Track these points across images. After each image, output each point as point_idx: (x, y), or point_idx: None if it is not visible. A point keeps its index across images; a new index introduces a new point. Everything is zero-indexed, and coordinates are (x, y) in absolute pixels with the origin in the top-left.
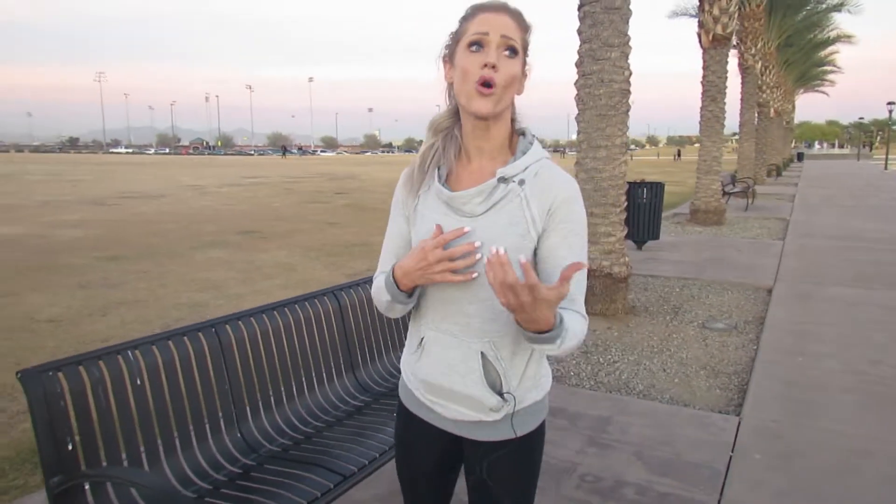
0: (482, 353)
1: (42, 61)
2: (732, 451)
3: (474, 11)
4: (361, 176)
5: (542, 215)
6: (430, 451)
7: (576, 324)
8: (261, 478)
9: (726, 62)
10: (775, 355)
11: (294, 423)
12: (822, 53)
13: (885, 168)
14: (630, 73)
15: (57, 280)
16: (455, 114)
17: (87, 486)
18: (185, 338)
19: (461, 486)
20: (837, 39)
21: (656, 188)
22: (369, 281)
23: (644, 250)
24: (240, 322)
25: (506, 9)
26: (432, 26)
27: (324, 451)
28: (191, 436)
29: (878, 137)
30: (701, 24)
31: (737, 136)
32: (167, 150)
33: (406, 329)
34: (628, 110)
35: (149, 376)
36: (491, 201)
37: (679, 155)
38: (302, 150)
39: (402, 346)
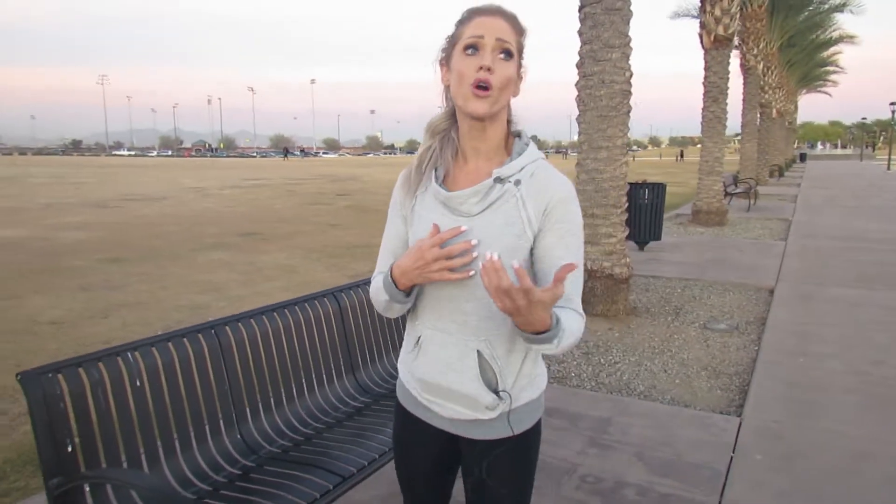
0: (478, 351)
1: (45, 64)
2: (733, 452)
3: (470, 15)
4: (363, 177)
5: (537, 215)
6: (428, 451)
7: (573, 322)
8: (260, 479)
9: (728, 63)
10: (777, 356)
11: (294, 424)
12: (825, 54)
13: (888, 168)
14: (631, 74)
15: (59, 282)
16: (452, 116)
17: (86, 488)
18: (185, 339)
19: (459, 488)
20: (840, 40)
21: (658, 189)
22: (369, 282)
23: (646, 251)
24: (239, 323)
25: (501, 12)
26: (433, 26)
27: (323, 452)
28: (190, 437)
29: (881, 138)
30: (702, 25)
31: (739, 137)
32: (170, 153)
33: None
34: (629, 111)
35: (148, 378)
36: (487, 201)
37: (682, 156)
38: (304, 152)
39: (401, 347)
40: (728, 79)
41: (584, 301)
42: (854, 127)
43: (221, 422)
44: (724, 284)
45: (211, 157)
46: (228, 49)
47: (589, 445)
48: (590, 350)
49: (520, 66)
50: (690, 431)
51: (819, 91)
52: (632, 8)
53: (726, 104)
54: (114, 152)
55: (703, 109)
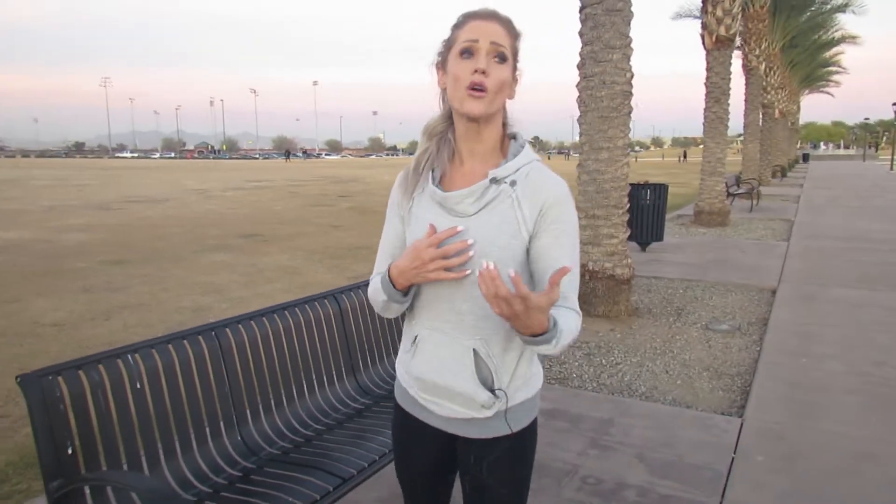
0: (474, 349)
1: (47, 66)
2: (734, 453)
3: (465, 19)
4: (365, 179)
5: (532, 215)
6: (426, 451)
7: (570, 321)
8: (260, 481)
9: (730, 63)
10: (778, 357)
11: (294, 426)
12: (827, 54)
13: (892, 169)
14: (632, 75)
15: (61, 284)
16: (448, 118)
17: (87, 490)
18: (185, 341)
19: (459, 487)
20: (842, 40)
21: (660, 189)
22: (368, 283)
23: (648, 252)
24: (240, 325)
25: (495, 16)
26: (434, 26)
27: (323, 453)
28: (191, 439)
29: (884, 138)
30: (704, 26)
31: (741, 138)
32: (172, 155)
33: None
34: (630, 112)
35: (148, 380)
36: (483, 201)
37: (685, 156)
38: (306, 154)
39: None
40: (730, 79)
41: (585, 302)
42: (857, 127)
43: (222, 423)
44: (727, 285)
45: (213, 158)
46: (231, 51)
47: (590, 447)
48: (591, 351)
49: (515, 69)
50: (692, 432)
51: (822, 91)
52: (633, 9)
53: (728, 105)
54: (117, 154)
55: (704, 110)
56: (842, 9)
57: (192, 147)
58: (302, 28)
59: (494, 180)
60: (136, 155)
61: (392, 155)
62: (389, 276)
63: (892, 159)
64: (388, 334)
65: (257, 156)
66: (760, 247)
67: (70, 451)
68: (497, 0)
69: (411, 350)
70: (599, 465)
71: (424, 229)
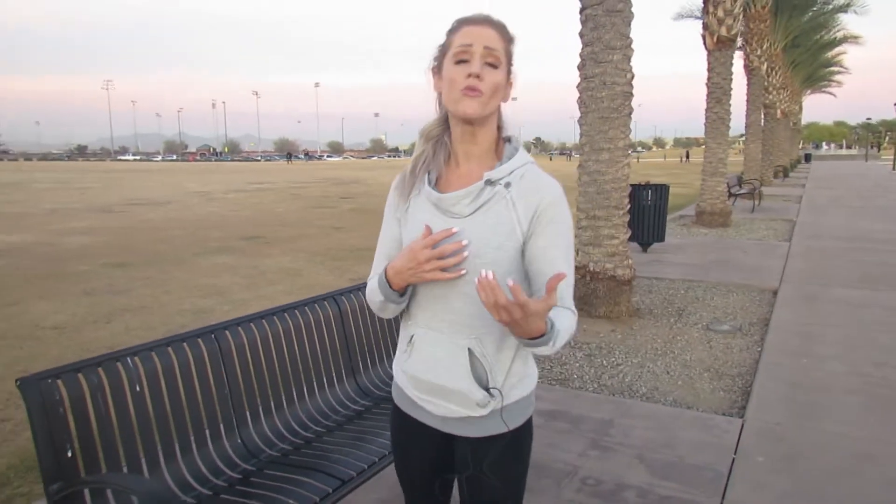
0: (469, 348)
1: (49, 70)
2: (735, 454)
3: (459, 25)
4: (367, 180)
5: (527, 216)
6: (424, 451)
7: (566, 321)
8: (260, 483)
9: (731, 64)
10: (780, 357)
11: (294, 427)
12: (829, 54)
13: (894, 168)
14: (632, 76)
15: (63, 287)
16: (445, 122)
17: (86, 493)
18: (185, 344)
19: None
20: (844, 40)
21: (661, 190)
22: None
23: (649, 252)
24: (239, 328)
25: (489, 21)
26: (433, 27)
27: (323, 455)
28: (191, 441)
29: (887, 138)
30: (705, 26)
31: (743, 138)
32: (174, 157)
33: None
34: (631, 113)
35: (148, 383)
36: (478, 202)
37: (687, 157)
38: (308, 156)
39: None
40: (731, 80)
41: (586, 303)
42: (859, 127)
43: (222, 426)
44: (728, 286)
45: (215, 161)
46: (233, 53)
47: (590, 447)
48: (592, 352)
49: (509, 72)
50: (692, 433)
51: (824, 91)
52: (634, 9)
53: (730, 105)
54: (119, 157)
55: (706, 110)
56: (843, 9)
57: (193, 149)
58: (302, 28)
59: (489, 182)
60: (138, 157)
61: (394, 156)
62: (386, 277)
63: (895, 159)
64: (388, 336)
65: (259, 158)
66: (762, 247)
67: (70, 454)
68: (500, 1)
69: (407, 350)
70: (600, 466)
71: (420, 230)
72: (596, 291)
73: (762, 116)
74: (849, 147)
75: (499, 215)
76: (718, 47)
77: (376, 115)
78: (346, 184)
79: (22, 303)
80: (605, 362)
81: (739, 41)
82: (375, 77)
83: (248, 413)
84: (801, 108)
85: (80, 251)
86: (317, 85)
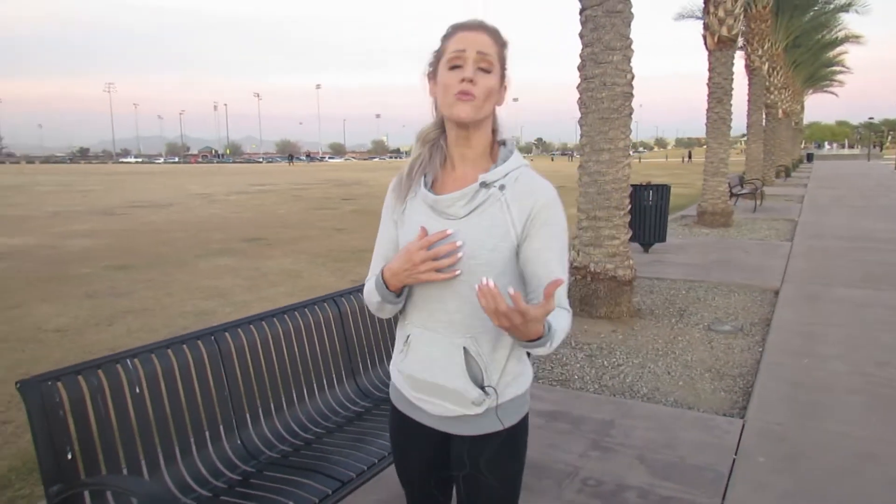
0: (464, 347)
1: (51, 73)
2: (736, 454)
3: (453, 31)
4: (369, 182)
5: (522, 218)
6: (422, 451)
7: (562, 321)
8: (260, 484)
9: (732, 64)
10: (781, 357)
11: (294, 429)
12: (831, 54)
13: None
14: (632, 77)
15: (65, 290)
16: (441, 125)
17: (86, 495)
18: (185, 346)
19: None
20: (846, 40)
21: (662, 190)
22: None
23: (650, 253)
24: (239, 329)
25: (482, 27)
26: (433, 26)
27: (323, 457)
28: (190, 443)
29: (889, 137)
30: (706, 27)
31: (745, 138)
32: (176, 159)
33: None
34: (631, 113)
35: (148, 385)
36: (473, 204)
37: (690, 157)
38: (310, 157)
39: None
40: (732, 80)
41: (587, 304)
42: (861, 127)
43: (221, 427)
44: (729, 286)
45: (217, 163)
46: (234, 56)
47: (591, 448)
48: (593, 353)
49: (503, 76)
50: (693, 433)
51: (826, 91)
52: (634, 10)
53: (731, 105)
54: (121, 160)
55: (707, 111)
56: (845, 8)
57: (195, 151)
58: (303, 29)
59: (484, 184)
60: (140, 160)
61: (395, 157)
62: (383, 278)
63: None
64: (388, 337)
65: (261, 160)
66: (764, 247)
67: (70, 456)
68: (501, 2)
69: (404, 350)
70: (600, 467)
71: (416, 232)
72: (597, 292)
73: (764, 116)
74: (851, 147)
75: (493, 217)
76: (719, 47)
77: (378, 116)
78: (348, 185)
79: (24, 305)
80: (605, 363)
81: (740, 41)
82: (377, 78)
83: (247, 415)
84: (802, 107)
85: (83, 254)
86: (318, 86)
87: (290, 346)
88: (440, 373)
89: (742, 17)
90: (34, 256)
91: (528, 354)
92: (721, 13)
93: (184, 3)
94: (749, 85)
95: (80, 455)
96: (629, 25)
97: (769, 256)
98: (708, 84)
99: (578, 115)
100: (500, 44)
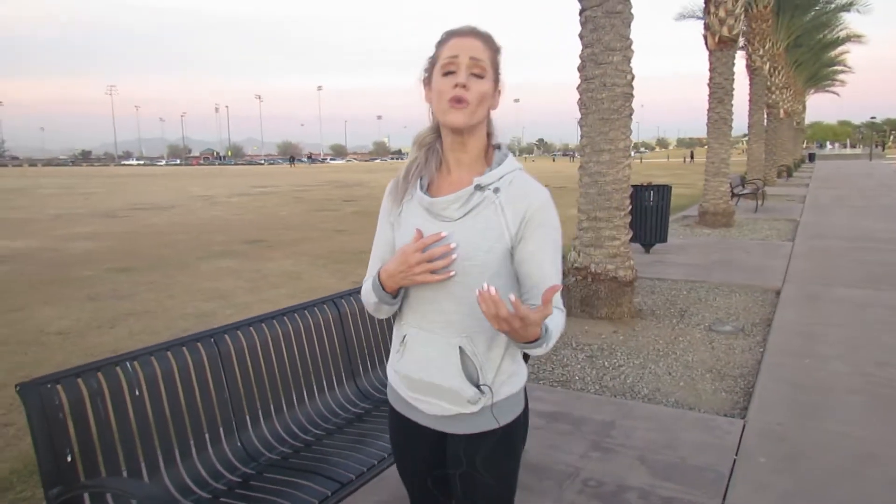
0: (460, 347)
1: (53, 75)
2: (737, 455)
3: (447, 37)
4: (370, 183)
5: (516, 220)
6: (421, 453)
7: (557, 321)
8: (259, 486)
9: (733, 64)
10: (782, 357)
11: (294, 431)
12: (832, 53)
13: None
14: (632, 77)
15: (67, 293)
16: (437, 130)
17: (86, 497)
18: (184, 348)
19: None
20: (847, 39)
21: (663, 191)
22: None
23: (651, 253)
24: (239, 332)
25: (475, 33)
26: (433, 26)
27: (323, 458)
28: (190, 445)
29: (891, 137)
30: (707, 27)
31: (747, 138)
32: (178, 161)
33: None
34: (631, 114)
35: (147, 387)
36: (468, 207)
37: (692, 157)
38: (311, 159)
39: None
40: (733, 80)
41: (588, 304)
42: (863, 126)
43: (221, 429)
44: (731, 286)
45: (219, 165)
46: (236, 58)
47: (592, 449)
48: (594, 353)
49: (496, 81)
50: (694, 434)
51: (827, 91)
52: (634, 10)
53: (732, 105)
54: (123, 162)
55: (708, 111)
56: (846, 8)
57: (197, 153)
58: (303, 30)
59: (479, 187)
60: (142, 162)
61: (397, 159)
62: (380, 280)
63: None
64: (388, 339)
65: (262, 161)
66: (765, 247)
67: (69, 459)
68: (501, 3)
69: (400, 350)
70: (601, 468)
71: (412, 234)
72: (597, 293)
73: (765, 116)
74: (853, 146)
75: (488, 219)
76: (720, 47)
77: (379, 117)
78: (349, 186)
79: (26, 308)
80: (606, 364)
81: (741, 41)
82: (378, 79)
83: (247, 417)
84: (804, 107)
85: (85, 256)
86: (319, 88)
87: (290, 347)
88: (436, 372)
89: (743, 16)
90: (36, 259)
91: (527, 358)
92: (721, 13)
93: (183, 3)
94: (750, 85)
95: (79, 457)
96: (629, 26)
97: (770, 257)
98: (709, 84)
99: (579, 115)
100: (493, 49)
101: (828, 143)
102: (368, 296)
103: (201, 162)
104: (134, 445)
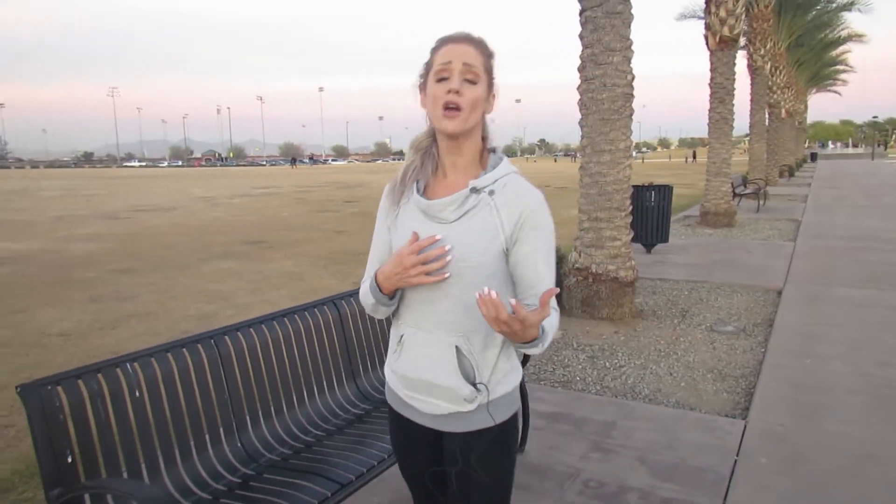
0: (456, 346)
1: (56, 78)
2: (737, 455)
3: (441, 44)
4: (371, 184)
5: (511, 222)
6: (420, 452)
7: (552, 320)
8: (259, 487)
9: (734, 64)
10: (783, 358)
11: (294, 432)
12: (834, 53)
13: None
14: (633, 77)
15: (69, 294)
16: (433, 134)
17: (87, 498)
18: (185, 349)
19: None
20: (849, 39)
21: (664, 191)
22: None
23: (653, 253)
24: (239, 333)
25: (467, 39)
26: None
27: (323, 459)
28: (190, 446)
29: (893, 136)
30: (707, 27)
31: (748, 137)
32: (180, 163)
33: None
34: (632, 114)
35: (148, 388)
36: (463, 209)
37: (694, 157)
38: (313, 160)
39: None
40: (734, 80)
41: (589, 305)
42: (865, 125)
43: (221, 430)
44: (732, 286)
45: (221, 166)
46: (237, 59)
47: (592, 450)
48: (595, 354)
49: (490, 85)
50: (695, 435)
51: (829, 90)
52: (635, 10)
53: (733, 105)
54: (125, 164)
55: (709, 111)
56: (848, 7)
57: (199, 155)
58: (305, 31)
59: (475, 190)
60: (144, 164)
61: (398, 159)
62: (377, 282)
63: None
64: (388, 339)
65: (264, 163)
66: (767, 247)
67: (70, 460)
68: (502, 3)
69: (397, 350)
70: (602, 469)
71: (409, 236)
72: (599, 293)
73: (767, 116)
74: (855, 146)
75: (483, 221)
76: (721, 47)
77: (380, 118)
78: (351, 187)
79: (28, 310)
80: (607, 364)
81: (742, 41)
82: (379, 80)
83: (247, 417)
84: (806, 107)
85: (86, 258)
86: (321, 89)
87: (290, 348)
88: (434, 371)
89: (744, 16)
90: (38, 261)
91: (527, 359)
92: (722, 13)
93: (184, 6)
94: (752, 84)
95: (80, 458)
96: (629, 26)
97: (772, 257)
98: (710, 84)
99: (580, 116)
100: (486, 55)
101: (830, 142)
102: (366, 297)
103: (203, 163)
104: (134, 446)
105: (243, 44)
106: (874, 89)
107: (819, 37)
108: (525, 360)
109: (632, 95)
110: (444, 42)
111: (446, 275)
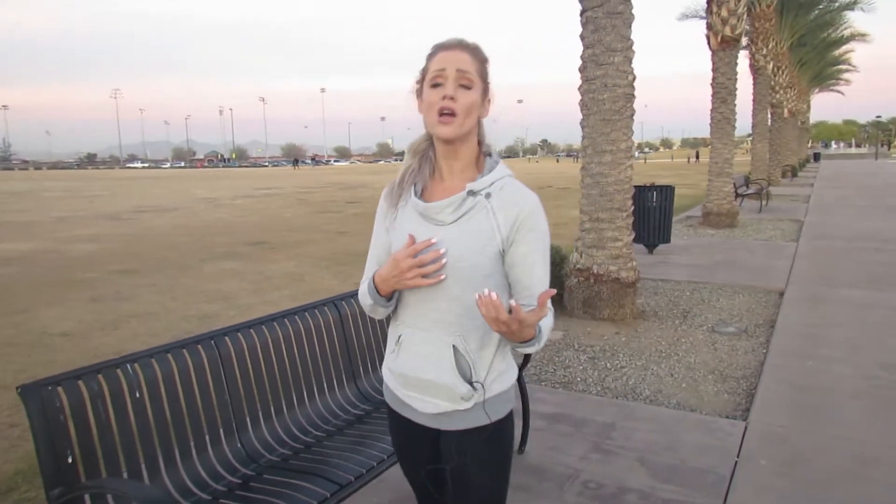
0: (454, 346)
1: (58, 79)
2: (738, 457)
3: (436, 50)
4: (374, 184)
5: (507, 224)
6: (418, 448)
7: (548, 320)
8: (259, 487)
9: (736, 63)
10: (785, 359)
11: (294, 432)
12: (837, 52)
13: None
14: (634, 78)
15: (71, 295)
16: (430, 138)
17: (87, 498)
18: (185, 350)
19: None
20: (851, 38)
21: (666, 191)
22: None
23: (655, 254)
24: (239, 333)
25: (462, 45)
26: (433, 26)
27: (322, 460)
28: (190, 447)
29: None
30: (709, 26)
31: (751, 137)
32: (183, 164)
33: None
34: (633, 115)
35: (148, 389)
36: (461, 211)
37: (697, 157)
38: (315, 161)
39: None
40: (736, 80)
41: (590, 305)
42: (869, 125)
43: (221, 431)
44: (734, 287)
45: (223, 167)
46: (239, 60)
47: (592, 451)
48: (596, 355)
49: (485, 90)
50: (695, 436)
51: (832, 90)
52: (636, 10)
53: (735, 105)
54: (128, 165)
55: (711, 111)
56: (850, 6)
57: (201, 156)
58: (306, 32)
59: (471, 192)
60: (146, 165)
61: (401, 160)
62: (374, 284)
63: None
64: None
65: (267, 163)
66: (769, 248)
67: (70, 460)
68: (501, 4)
69: (395, 349)
70: (601, 470)
71: (405, 239)
72: (600, 294)
73: (769, 116)
74: (858, 145)
75: (480, 223)
76: (723, 47)
77: (382, 119)
78: (353, 188)
79: (30, 310)
80: (608, 365)
81: (744, 40)
82: (381, 81)
83: (248, 418)
84: (808, 106)
85: (88, 258)
86: (323, 90)
87: (290, 349)
88: (431, 369)
89: (745, 16)
90: (40, 261)
91: (527, 360)
92: (724, 13)
93: (185, 7)
94: (754, 84)
95: (80, 459)
96: (630, 27)
97: (774, 257)
98: (712, 84)
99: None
100: (481, 60)
101: (833, 142)
102: (365, 298)
103: (205, 164)
104: (134, 447)
105: (244, 44)
106: (877, 89)
107: (821, 36)
108: (526, 360)
109: (633, 96)
110: (438, 49)
111: (442, 277)
